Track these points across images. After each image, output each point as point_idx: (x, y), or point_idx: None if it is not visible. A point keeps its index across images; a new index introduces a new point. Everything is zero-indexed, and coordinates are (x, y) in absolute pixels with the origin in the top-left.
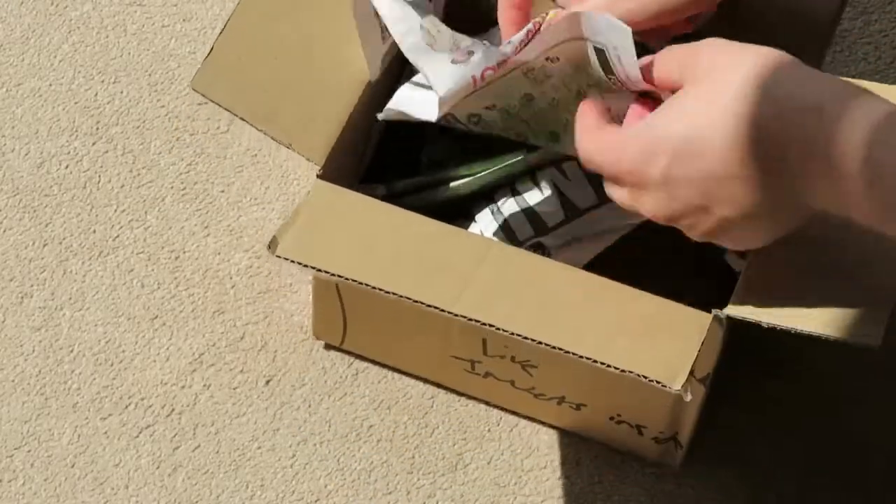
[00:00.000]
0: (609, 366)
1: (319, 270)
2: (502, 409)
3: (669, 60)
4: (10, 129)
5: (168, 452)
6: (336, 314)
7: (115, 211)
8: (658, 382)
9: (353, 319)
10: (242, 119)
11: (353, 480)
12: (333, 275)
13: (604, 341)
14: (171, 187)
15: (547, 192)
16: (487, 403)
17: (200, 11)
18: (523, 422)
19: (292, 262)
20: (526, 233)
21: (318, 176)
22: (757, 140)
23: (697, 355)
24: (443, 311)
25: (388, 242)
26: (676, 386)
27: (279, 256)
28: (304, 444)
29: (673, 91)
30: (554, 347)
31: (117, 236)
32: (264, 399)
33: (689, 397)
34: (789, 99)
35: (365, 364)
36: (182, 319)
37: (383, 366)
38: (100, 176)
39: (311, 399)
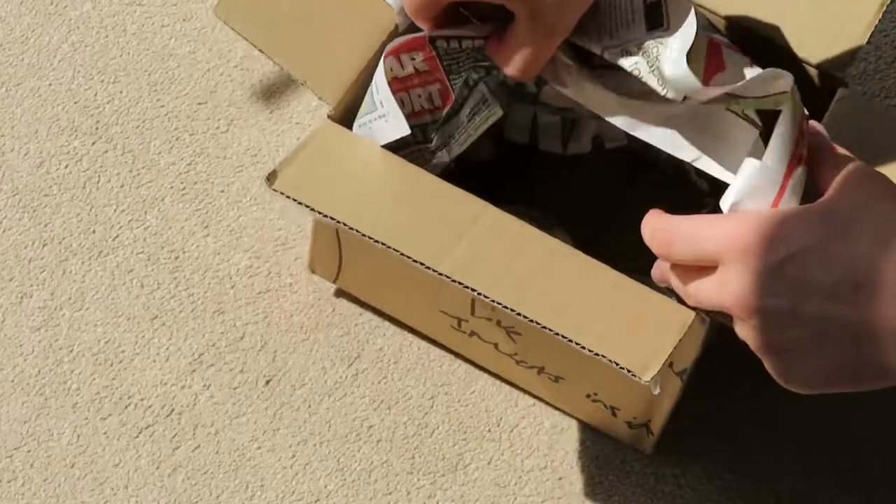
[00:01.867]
0: (584, 347)
1: (313, 210)
2: (484, 369)
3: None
4: (9, 129)
5: (168, 453)
6: (332, 251)
7: (115, 211)
8: (629, 371)
9: (348, 259)
10: (260, 51)
11: (353, 480)
12: (326, 216)
13: (583, 322)
14: (171, 187)
15: None
16: (470, 362)
17: (200, 11)
18: (523, 422)
19: (287, 197)
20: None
21: (328, 116)
22: None
23: (673, 351)
24: (428, 268)
25: (387, 192)
26: (646, 377)
27: (275, 190)
28: (304, 444)
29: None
30: (531, 321)
31: (117, 236)
32: (264, 399)
33: (657, 391)
34: None
35: (365, 364)
36: (182, 319)
37: (383, 364)
38: (99, 176)
39: (311, 399)
